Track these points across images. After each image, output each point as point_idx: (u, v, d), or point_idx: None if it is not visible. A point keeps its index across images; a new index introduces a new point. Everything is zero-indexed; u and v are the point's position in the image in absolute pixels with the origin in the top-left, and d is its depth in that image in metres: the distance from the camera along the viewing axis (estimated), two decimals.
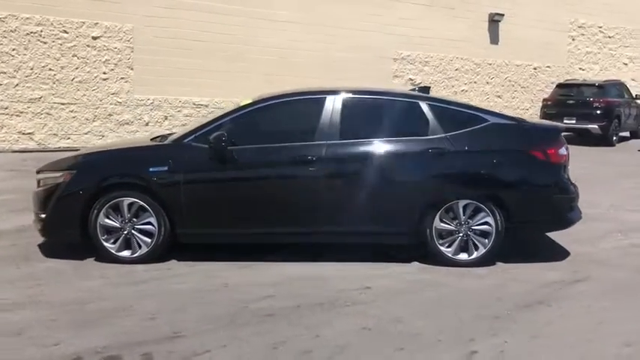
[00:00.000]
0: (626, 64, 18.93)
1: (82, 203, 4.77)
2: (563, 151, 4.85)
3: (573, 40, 17.78)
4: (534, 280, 4.52)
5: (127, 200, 4.77)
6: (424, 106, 4.90)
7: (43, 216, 4.89)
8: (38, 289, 4.23)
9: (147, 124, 12.03)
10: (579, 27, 17.82)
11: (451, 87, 15.77)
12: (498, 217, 4.72)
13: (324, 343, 3.42)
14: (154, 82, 12.00)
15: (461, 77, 15.88)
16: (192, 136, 4.87)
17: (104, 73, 11.56)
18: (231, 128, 4.80)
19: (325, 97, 4.93)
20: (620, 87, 15.31)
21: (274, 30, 13.04)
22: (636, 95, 15.60)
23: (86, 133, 11.39)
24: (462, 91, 15.96)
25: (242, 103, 5.07)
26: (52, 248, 5.11)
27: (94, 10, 11.27)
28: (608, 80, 15.31)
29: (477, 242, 4.77)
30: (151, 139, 5.48)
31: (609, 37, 18.44)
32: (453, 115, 4.92)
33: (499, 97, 16.61)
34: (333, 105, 4.85)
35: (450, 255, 4.78)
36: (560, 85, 15.33)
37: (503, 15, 15.97)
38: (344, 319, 3.76)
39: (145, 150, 5.06)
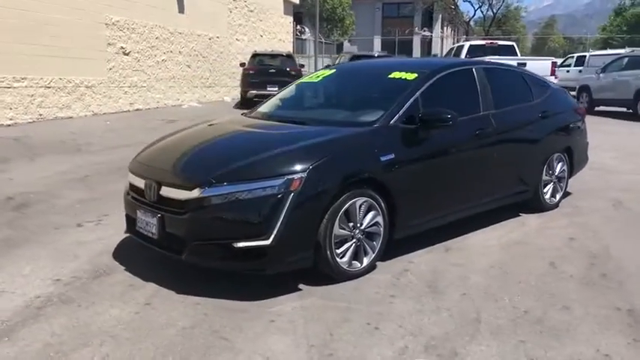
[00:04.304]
0: (262, 36, 21.35)
1: (319, 214, 3.62)
2: None
3: (231, 12, 19.01)
4: (608, 207, 5.86)
5: (360, 200, 3.85)
6: (524, 75, 5.54)
7: (265, 243, 3.45)
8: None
9: None
10: (234, 0, 19.13)
11: (154, 56, 14.94)
12: (568, 164, 5.85)
13: None
14: None
15: (161, 46, 15.17)
16: (396, 117, 4.21)
17: None
18: (420, 105, 4.38)
19: (472, 68, 4.99)
20: (291, 56, 17.46)
21: None
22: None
23: None
24: (163, 60, 15.31)
25: (404, 77, 4.59)
26: (198, 281, 3.67)
27: None
28: (289, 52, 17.24)
29: (559, 187, 5.79)
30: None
31: (251, 11, 20.40)
32: (536, 82, 5.70)
33: (189, 66, 16.58)
34: (479, 76, 4.96)
35: (547, 201, 5.66)
36: (255, 55, 16.41)
37: None
38: None
39: (364, 136, 4.05)
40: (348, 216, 3.79)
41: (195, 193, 3.50)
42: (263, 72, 15.74)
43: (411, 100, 4.32)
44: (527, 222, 5.34)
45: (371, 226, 3.95)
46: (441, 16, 49.74)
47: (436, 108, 4.26)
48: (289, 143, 3.83)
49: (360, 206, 3.84)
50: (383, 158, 3.95)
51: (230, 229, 3.48)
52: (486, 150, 4.80)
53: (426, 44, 49.07)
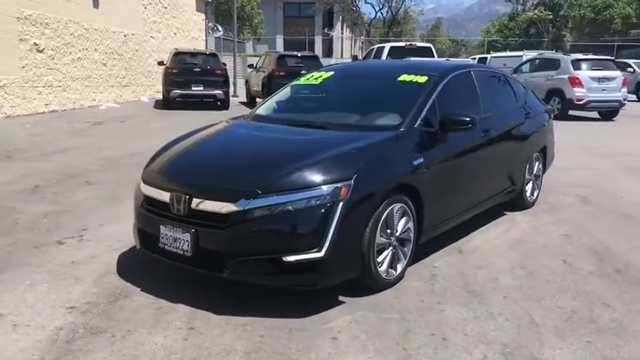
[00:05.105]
0: (175, 34, 20.57)
1: (365, 222, 3.48)
2: None
3: (145, 8, 18.13)
4: (576, 203, 6.15)
5: (397, 206, 3.75)
6: (507, 77, 5.68)
7: (318, 255, 3.25)
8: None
9: None
10: None
11: (69, 54, 13.91)
12: (543, 163, 6.09)
13: None
14: None
15: (76, 43, 14.15)
16: (418, 120, 4.14)
17: None
18: (437, 107, 4.35)
19: (471, 71, 5.02)
20: (215, 55, 16.91)
21: None
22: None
23: None
24: (78, 58, 14.30)
25: (415, 80, 4.54)
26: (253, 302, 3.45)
27: None
28: (212, 50, 16.65)
29: (536, 185, 6.01)
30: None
31: (165, 7, 19.58)
32: (516, 84, 5.86)
33: (104, 65, 15.62)
34: (477, 78, 5.01)
35: (528, 199, 5.85)
36: (177, 54, 15.70)
37: None
38: None
39: (397, 140, 3.91)
40: (387, 223, 3.67)
41: (239, 206, 3.22)
42: (187, 71, 15.08)
43: (429, 103, 4.27)
44: (516, 220, 5.48)
45: (404, 232, 3.85)
46: (341, 17, 50.62)
47: (454, 110, 4.24)
48: (327, 149, 3.64)
49: (396, 212, 3.74)
50: (415, 162, 3.87)
51: (278, 242, 3.25)
52: (489, 151, 4.87)
53: (327, 45, 49.75)
